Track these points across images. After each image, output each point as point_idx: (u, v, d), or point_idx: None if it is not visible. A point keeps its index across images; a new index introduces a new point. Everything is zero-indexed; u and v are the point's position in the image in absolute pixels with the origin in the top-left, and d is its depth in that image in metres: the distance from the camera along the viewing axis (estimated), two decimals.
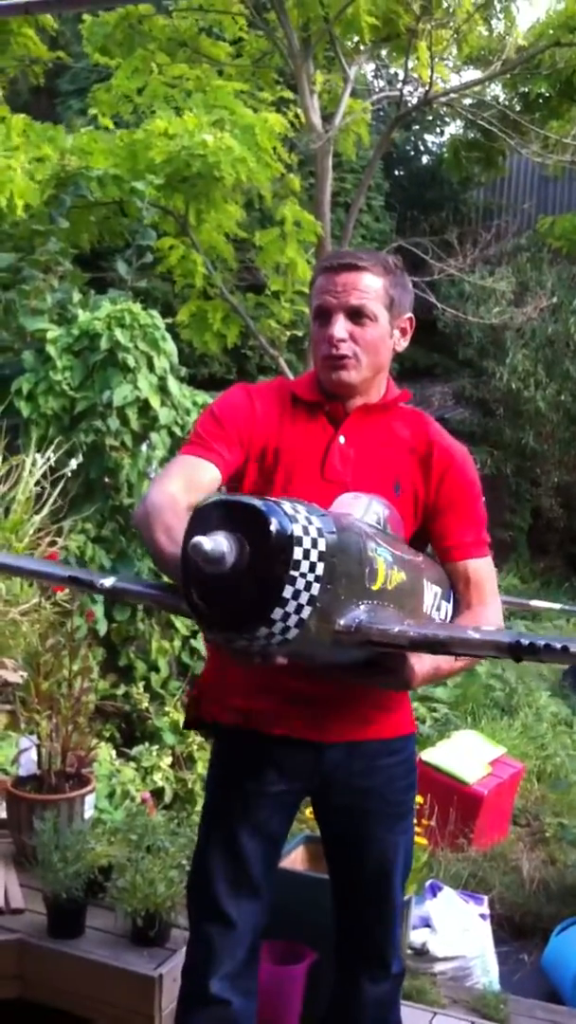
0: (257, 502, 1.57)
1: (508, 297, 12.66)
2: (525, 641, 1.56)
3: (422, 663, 1.81)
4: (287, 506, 1.59)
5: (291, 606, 1.55)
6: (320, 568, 1.57)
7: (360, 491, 1.95)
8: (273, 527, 1.54)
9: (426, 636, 1.67)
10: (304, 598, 1.56)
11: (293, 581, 1.55)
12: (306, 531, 1.57)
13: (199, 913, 2.16)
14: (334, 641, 1.66)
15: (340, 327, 2.06)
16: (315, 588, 1.57)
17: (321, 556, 1.58)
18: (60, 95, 13.43)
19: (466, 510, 2.15)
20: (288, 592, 1.54)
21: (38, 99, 12.95)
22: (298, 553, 1.55)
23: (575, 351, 12.92)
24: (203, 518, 1.59)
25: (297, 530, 1.56)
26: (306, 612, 1.57)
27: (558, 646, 1.53)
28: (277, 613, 1.55)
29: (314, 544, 1.57)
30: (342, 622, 1.65)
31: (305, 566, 1.56)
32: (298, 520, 1.57)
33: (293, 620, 1.56)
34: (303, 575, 1.55)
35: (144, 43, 9.15)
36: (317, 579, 1.57)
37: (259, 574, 1.54)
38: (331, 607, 1.62)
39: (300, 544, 1.55)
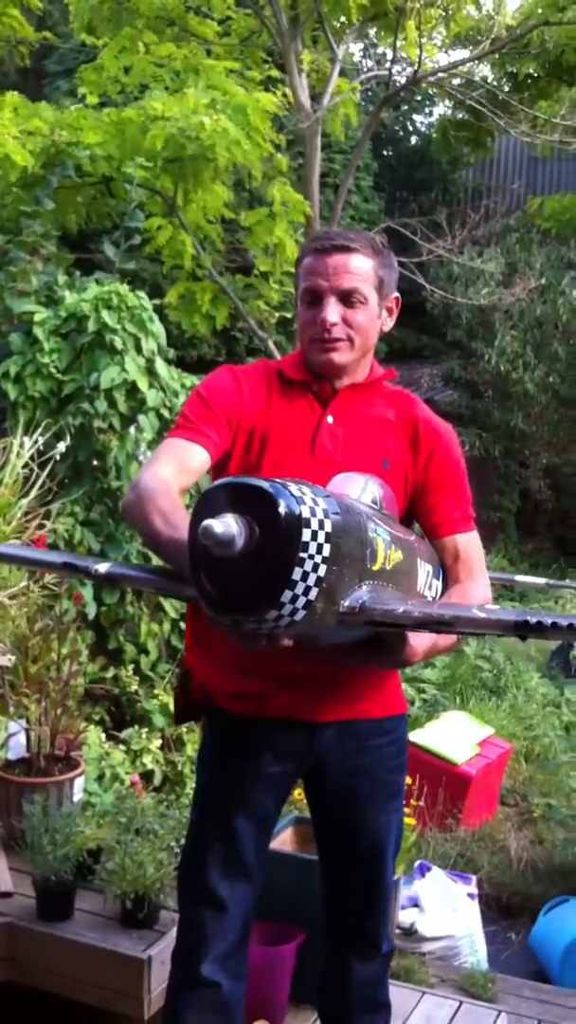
0: (265, 484, 1.57)
1: (497, 278, 12.64)
2: (532, 619, 1.56)
3: (420, 640, 1.81)
4: (293, 488, 1.58)
5: (299, 588, 1.55)
6: (327, 549, 1.57)
7: (350, 470, 1.95)
8: (282, 509, 1.54)
9: (430, 615, 1.67)
10: (312, 580, 1.56)
11: (302, 563, 1.54)
12: (313, 512, 1.57)
13: (191, 896, 2.16)
14: (339, 622, 1.66)
15: (333, 311, 2.06)
16: (322, 569, 1.57)
17: (328, 537, 1.58)
18: (48, 76, 13.35)
19: (453, 487, 2.16)
20: (297, 574, 1.54)
21: (26, 80, 12.87)
22: (306, 535, 1.55)
23: (564, 332, 12.92)
24: (211, 501, 1.58)
25: (305, 511, 1.56)
26: (313, 593, 1.57)
27: (564, 623, 1.54)
28: (286, 595, 1.54)
29: (321, 525, 1.57)
30: (346, 603, 1.65)
31: (313, 547, 1.56)
32: (305, 501, 1.57)
33: (301, 602, 1.56)
34: (311, 556, 1.55)
35: (131, 21, 9.07)
36: (324, 560, 1.57)
37: (269, 556, 1.53)
38: (336, 588, 1.62)
39: (308, 526, 1.55)
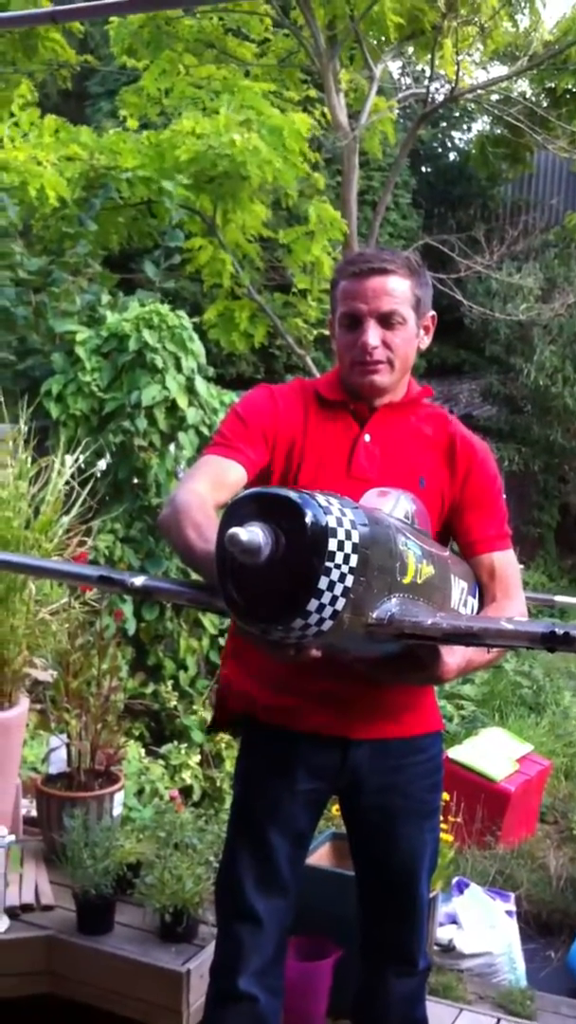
0: (292, 494, 1.59)
1: (535, 293, 12.62)
2: (560, 631, 1.55)
3: (454, 656, 1.82)
4: (321, 498, 1.60)
5: (326, 597, 1.56)
6: (354, 560, 1.59)
7: (386, 487, 1.97)
8: (308, 519, 1.56)
9: (459, 628, 1.68)
10: (338, 589, 1.57)
11: (328, 572, 1.56)
12: (340, 523, 1.59)
13: (228, 912, 2.19)
14: (367, 633, 1.67)
15: (373, 334, 2.08)
16: (349, 580, 1.58)
17: (355, 548, 1.59)
18: (90, 98, 13.51)
19: (489, 505, 2.17)
20: (323, 583, 1.56)
21: (67, 102, 13.03)
22: (333, 544, 1.56)
23: None
24: (238, 511, 1.60)
25: (331, 522, 1.57)
26: (340, 604, 1.58)
27: None
28: (312, 604, 1.56)
29: (348, 536, 1.59)
30: (375, 615, 1.66)
31: (339, 557, 1.57)
32: (332, 512, 1.59)
33: (328, 612, 1.58)
34: (337, 566, 1.57)
35: (171, 44, 9.18)
36: (351, 571, 1.58)
37: (294, 565, 1.55)
38: (364, 599, 1.63)
39: (335, 536, 1.57)
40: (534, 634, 1.59)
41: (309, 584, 1.55)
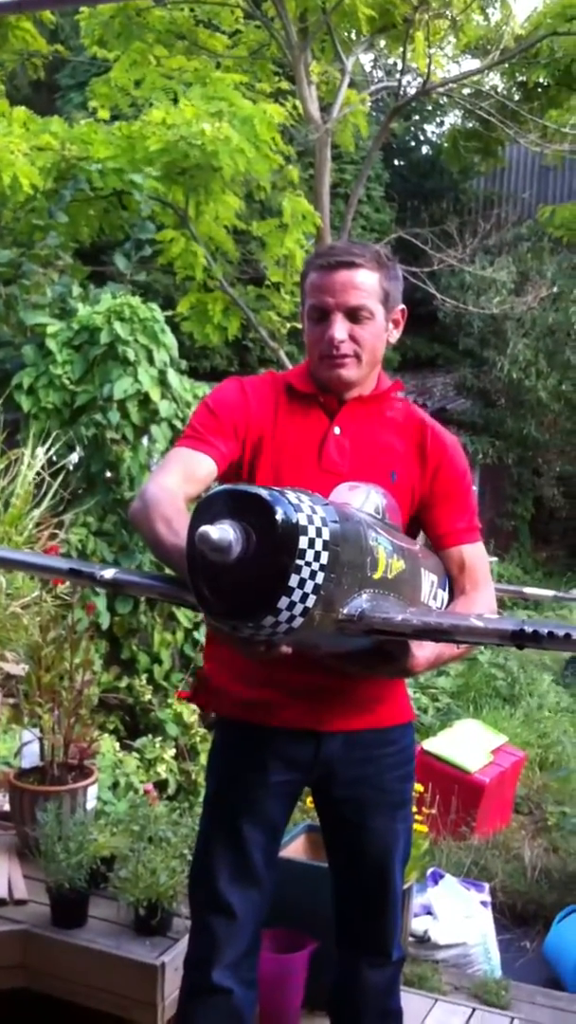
0: (262, 491, 1.58)
1: (508, 287, 12.68)
2: (529, 628, 1.57)
3: (424, 650, 1.83)
4: (291, 495, 1.59)
5: (296, 595, 1.56)
6: (324, 557, 1.58)
7: (357, 480, 1.97)
8: (279, 516, 1.55)
9: (429, 624, 1.68)
10: (309, 587, 1.57)
11: (298, 570, 1.55)
12: (310, 520, 1.58)
13: (202, 904, 2.18)
14: (338, 630, 1.67)
15: (340, 328, 2.07)
16: (319, 577, 1.58)
17: (325, 545, 1.59)
18: (60, 89, 13.45)
19: (459, 499, 2.18)
20: (294, 581, 1.55)
21: (38, 93, 12.97)
22: (303, 542, 1.56)
23: None
24: (208, 508, 1.60)
25: (302, 519, 1.57)
26: (311, 601, 1.58)
27: (561, 633, 1.55)
28: (283, 602, 1.56)
29: (318, 533, 1.58)
30: (345, 611, 1.66)
31: (310, 555, 1.56)
32: (302, 509, 1.58)
33: (298, 609, 1.57)
34: (308, 564, 1.56)
35: (142, 35, 9.14)
36: (321, 568, 1.58)
37: (265, 563, 1.54)
38: (334, 596, 1.63)
39: (305, 533, 1.56)
40: (504, 631, 1.60)
41: (280, 582, 1.55)
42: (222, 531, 1.52)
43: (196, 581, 1.61)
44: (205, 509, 1.60)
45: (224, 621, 1.63)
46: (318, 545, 1.58)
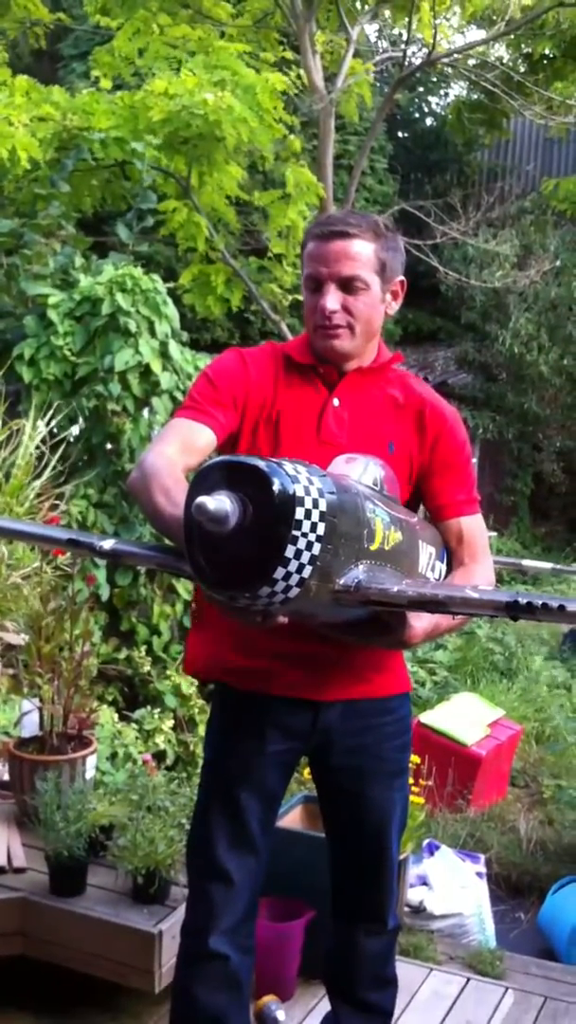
0: (259, 462, 1.59)
1: (511, 260, 12.62)
2: (523, 600, 1.58)
3: (421, 621, 1.84)
4: (288, 467, 1.60)
5: (292, 565, 1.57)
6: (321, 528, 1.59)
7: (356, 452, 1.97)
8: (276, 487, 1.56)
9: (424, 595, 1.69)
10: (305, 557, 1.58)
11: (295, 541, 1.57)
12: (307, 491, 1.59)
13: (199, 871, 2.20)
14: (334, 600, 1.68)
15: (332, 298, 2.07)
16: (316, 548, 1.59)
17: (322, 516, 1.60)
18: (62, 59, 13.34)
19: (458, 470, 2.18)
20: (290, 551, 1.56)
21: (40, 63, 12.86)
22: (300, 513, 1.57)
23: None
24: (206, 478, 1.60)
25: (299, 490, 1.58)
26: (307, 571, 1.59)
27: (555, 605, 1.56)
28: (279, 572, 1.57)
29: (315, 504, 1.59)
30: (342, 581, 1.67)
31: (306, 526, 1.58)
32: (299, 480, 1.59)
33: (294, 579, 1.58)
34: (304, 535, 1.57)
35: (145, 3, 9.06)
36: (318, 539, 1.59)
37: (261, 533, 1.56)
38: (331, 567, 1.64)
39: (302, 504, 1.57)
40: (498, 602, 1.62)
41: (276, 552, 1.56)
42: (219, 502, 1.53)
43: (193, 551, 1.62)
44: (202, 480, 1.61)
45: (220, 591, 1.64)
46: (315, 516, 1.59)
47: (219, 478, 1.59)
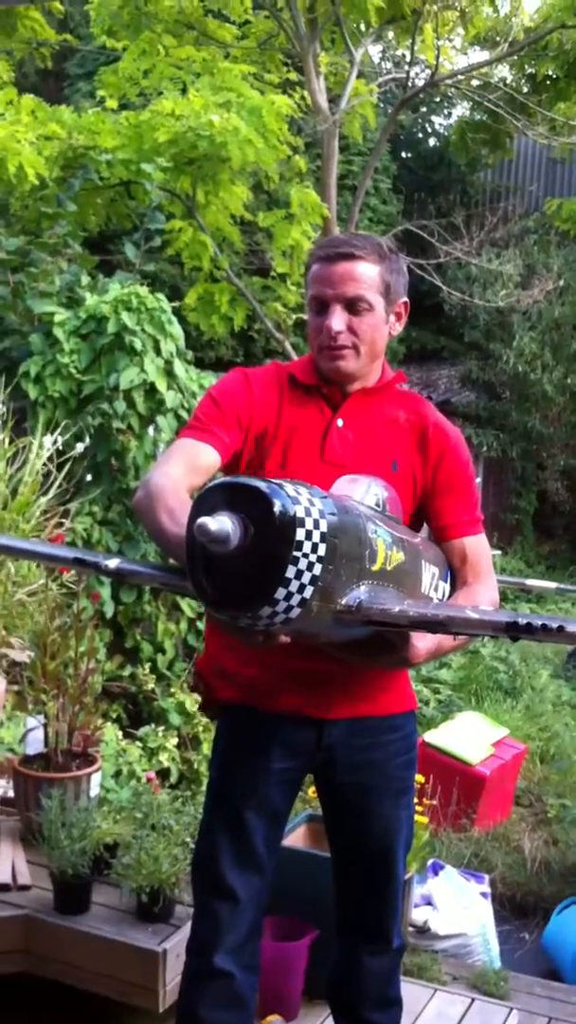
0: (260, 483, 1.60)
1: (515, 280, 12.65)
2: (522, 621, 1.59)
3: (424, 640, 1.84)
4: (289, 488, 1.61)
5: (294, 586, 1.58)
6: (322, 549, 1.60)
7: (359, 472, 1.98)
8: (277, 508, 1.57)
9: (425, 616, 1.70)
10: (306, 578, 1.59)
11: (296, 561, 1.57)
12: (308, 512, 1.60)
13: (204, 889, 2.19)
14: (335, 620, 1.69)
15: (338, 319, 2.08)
16: (317, 568, 1.60)
17: (323, 537, 1.60)
18: (68, 78, 13.42)
19: (461, 490, 2.19)
20: (291, 572, 1.57)
21: (46, 82, 12.95)
22: (300, 534, 1.57)
23: None
24: (207, 499, 1.61)
25: (300, 511, 1.58)
26: (308, 592, 1.59)
27: (554, 626, 1.56)
28: (280, 593, 1.57)
29: (316, 525, 1.60)
30: (343, 601, 1.68)
31: (307, 547, 1.58)
32: (300, 501, 1.60)
33: (296, 600, 1.59)
34: (305, 556, 1.58)
35: (150, 25, 9.13)
36: (319, 559, 1.60)
37: (262, 554, 1.56)
38: (332, 587, 1.64)
39: (303, 525, 1.58)
40: (498, 623, 1.62)
41: (277, 573, 1.56)
42: (220, 522, 1.54)
43: (195, 571, 1.63)
44: (204, 501, 1.62)
45: (222, 611, 1.65)
46: (316, 537, 1.59)
47: (221, 499, 1.59)
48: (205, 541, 1.54)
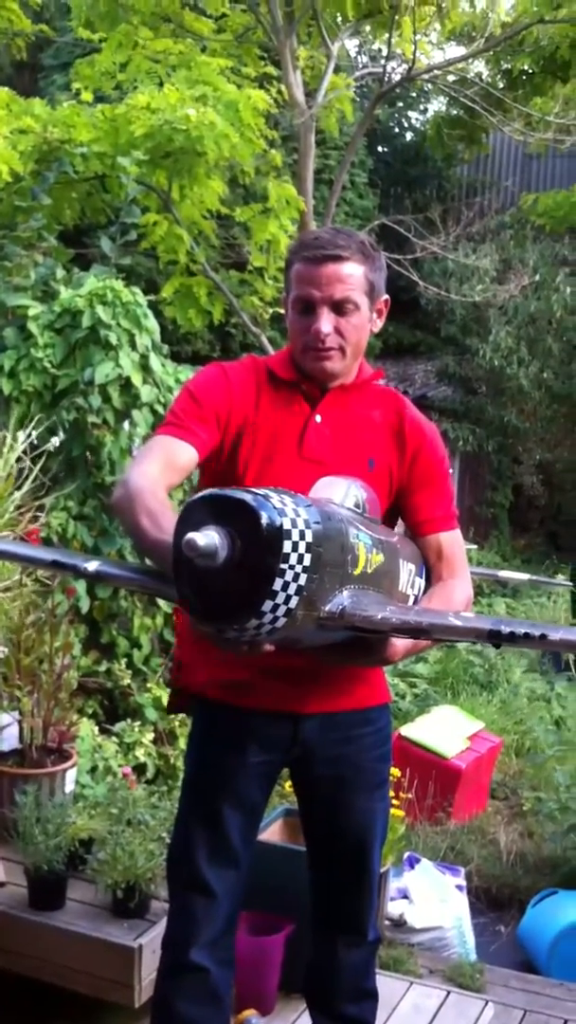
0: (247, 496, 1.60)
1: (491, 274, 12.68)
2: (505, 629, 1.61)
3: (402, 640, 1.85)
4: (275, 499, 1.61)
5: (280, 598, 1.58)
6: (307, 559, 1.60)
7: (337, 469, 1.99)
8: (264, 520, 1.56)
9: (408, 622, 1.71)
10: (292, 589, 1.59)
11: (283, 574, 1.57)
12: (294, 523, 1.60)
13: (180, 884, 2.19)
14: (319, 627, 1.70)
15: (326, 322, 2.08)
16: (303, 579, 1.60)
17: (308, 547, 1.61)
18: (43, 70, 13.33)
19: (437, 486, 2.20)
20: (278, 584, 1.57)
21: (21, 74, 12.87)
22: (287, 546, 1.58)
23: (557, 328, 12.96)
24: (193, 514, 1.61)
25: (286, 523, 1.58)
26: (294, 602, 1.60)
27: (536, 634, 1.59)
28: (267, 605, 1.58)
29: (302, 536, 1.60)
30: (327, 608, 1.68)
31: (294, 558, 1.58)
32: (286, 513, 1.60)
33: (282, 611, 1.59)
34: (292, 567, 1.58)
35: (127, 17, 9.08)
36: (305, 570, 1.60)
37: (250, 567, 1.56)
38: (316, 595, 1.65)
39: (289, 537, 1.58)
40: (481, 630, 1.65)
41: (264, 586, 1.57)
42: (208, 537, 1.53)
43: (181, 585, 1.63)
44: (190, 515, 1.61)
45: (208, 623, 1.65)
46: (302, 548, 1.60)
47: (206, 512, 1.59)
48: (193, 556, 1.54)
